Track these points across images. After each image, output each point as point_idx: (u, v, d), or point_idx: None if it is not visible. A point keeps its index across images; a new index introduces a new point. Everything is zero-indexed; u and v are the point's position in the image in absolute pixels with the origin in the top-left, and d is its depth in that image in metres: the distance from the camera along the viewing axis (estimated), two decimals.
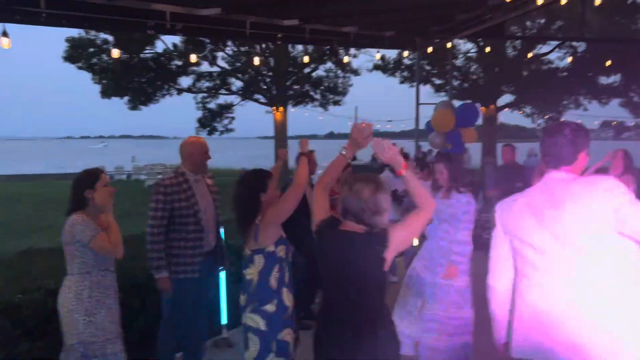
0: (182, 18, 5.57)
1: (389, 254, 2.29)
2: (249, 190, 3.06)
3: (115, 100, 23.03)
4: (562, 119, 24.45)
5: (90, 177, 3.19)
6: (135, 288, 4.78)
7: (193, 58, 14.85)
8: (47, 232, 11.63)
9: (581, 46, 20.52)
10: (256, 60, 11.07)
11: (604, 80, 21.89)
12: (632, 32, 19.03)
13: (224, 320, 4.83)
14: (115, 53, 8.82)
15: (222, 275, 4.65)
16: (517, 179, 6.64)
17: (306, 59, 20.09)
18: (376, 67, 23.80)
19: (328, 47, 17.15)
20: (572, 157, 2.18)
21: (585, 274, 2.05)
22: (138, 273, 5.13)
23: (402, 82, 23.66)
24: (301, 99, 25.13)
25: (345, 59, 21.87)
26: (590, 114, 26.01)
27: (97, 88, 22.32)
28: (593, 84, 21.57)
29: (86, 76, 22.20)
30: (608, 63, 17.26)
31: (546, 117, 24.92)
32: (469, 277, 4.04)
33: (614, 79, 21.75)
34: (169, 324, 3.93)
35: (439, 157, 4.41)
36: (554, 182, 2.20)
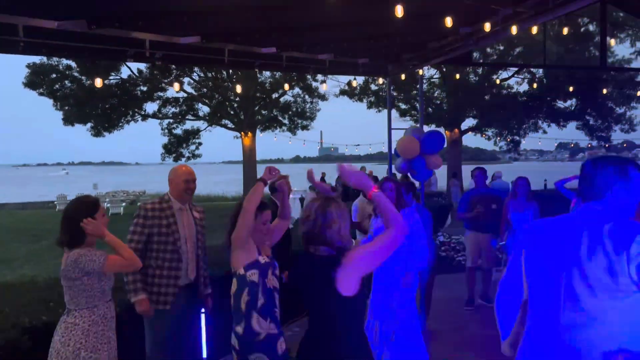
0: (161, 46, 5.54)
1: (348, 274, 2.21)
2: (232, 216, 3.10)
3: (76, 126, 22.56)
4: (523, 141, 25.30)
5: (90, 208, 3.08)
6: None
7: (176, 87, 14.76)
8: (8, 265, 11.14)
9: (539, 72, 21.43)
10: (238, 88, 11.00)
11: (561, 104, 22.89)
12: (587, 59, 20.03)
13: (204, 354, 4.70)
14: (99, 83, 8.60)
15: (203, 309, 4.52)
16: (491, 202, 6.78)
17: (286, 86, 20.36)
18: (343, 93, 24.16)
19: (295, 73, 17.40)
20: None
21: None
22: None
23: (369, 107, 24.07)
24: (269, 123, 25.21)
25: (324, 86, 22.22)
26: (549, 136, 26.98)
27: (58, 114, 21.87)
28: (551, 108, 22.51)
29: (46, 102, 21.73)
30: (571, 89, 18.08)
31: (508, 139, 25.73)
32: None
33: (571, 103, 22.79)
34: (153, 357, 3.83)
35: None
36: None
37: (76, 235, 3.02)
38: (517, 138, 25.39)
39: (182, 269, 3.80)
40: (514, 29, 5.50)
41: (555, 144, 35.06)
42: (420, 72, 9.19)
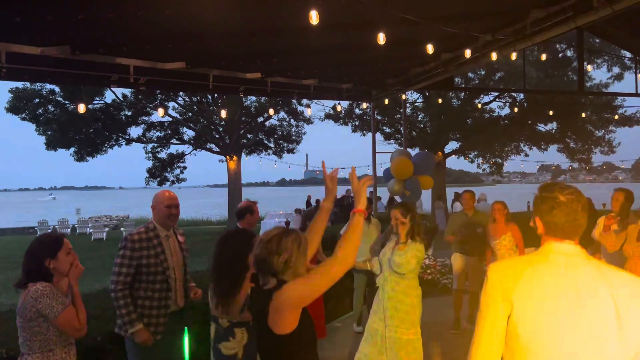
0: (146, 72, 5.56)
1: (282, 309, 2.05)
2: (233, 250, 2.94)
3: (59, 150, 22.33)
4: (505, 164, 25.63)
5: (51, 246, 2.84)
6: (94, 351, 4.48)
7: (161, 112, 14.78)
8: None
9: (520, 96, 21.86)
10: (223, 113, 11.10)
11: (542, 127, 23.32)
12: (565, 83, 20.50)
13: None
14: (82, 108, 8.55)
15: (186, 336, 4.45)
16: (477, 225, 6.82)
17: (271, 111, 20.39)
18: (328, 117, 24.33)
19: (282, 98, 17.51)
20: None
21: None
22: (96, 335, 4.83)
23: (354, 131, 24.26)
24: (255, 147, 25.23)
25: (309, 111, 22.36)
26: (531, 159, 27.41)
27: (40, 139, 21.64)
28: (532, 131, 22.90)
29: (28, 127, 21.53)
30: (550, 113, 18.42)
31: (491, 162, 26.04)
32: None
33: (551, 126, 23.22)
34: None
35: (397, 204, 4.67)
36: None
37: (36, 277, 2.78)
38: (500, 161, 25.73)
39: (172, 297, 3.75)
40: (493, 55, 5.63)
41: (537, 166, 35.59)
42: (404, 96, 9.32)
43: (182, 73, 5.84)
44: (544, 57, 7.62)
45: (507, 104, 22.72)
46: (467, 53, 5.72)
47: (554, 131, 23.17)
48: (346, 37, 5.43)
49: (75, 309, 2.82)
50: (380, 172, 10.21)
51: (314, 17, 3.83)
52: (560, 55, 20.74)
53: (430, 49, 5.87)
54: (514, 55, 5.86)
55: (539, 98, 20.05)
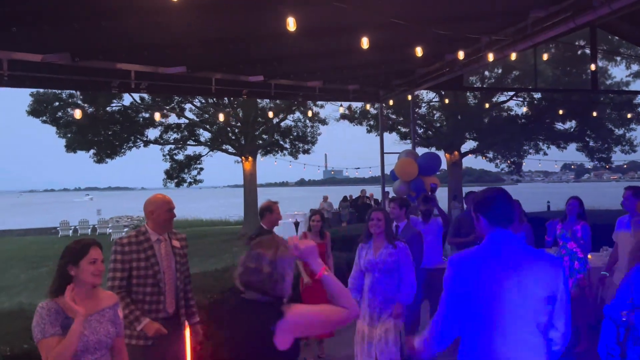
0: (146, 77, 5.65)
1: (286, 332, 2.05)
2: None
3: (80, 153, 22.79)
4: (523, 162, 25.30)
5: (74, 253, 2.70)
6: None
7: (157, 116, 14.85)
8: (7, 292, 11.15)
9: (537, 94, 21.57)
10: (221, 117, 11.14)
11: (560, 126, 22.94)
12: (583, 81, 20.14)
13: None
14: (78, 114, 8.70)
15: (188, 341, 4.48)
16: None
17: (270, 114, 20.41)
18: (343, 117, 24.33)
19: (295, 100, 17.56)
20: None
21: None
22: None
23: (369, 132, 24.22)
24: (270, 148, 25.36)
25: (310, 113, 22.31)
26: (550, 158, 26.95)
27: (60, 142, 22.12)
28: (550, 130, 22.55)
29: (50, 130, 22.01)
30: (561, 112, 18.14)
31: (509, 161, 25.74)
32: None
33: (570, 124, 22.83)
34: None
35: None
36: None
37: (54, 283, 2.68)
38: (518, 160, 25.39)
39: (162, 301, 3.72)
40: (490, 56, 5.60)
41: (558, 165, 34.94)
42: (409, 97, 9.30)
43: (183, 77, 5.92)
44: (545, 56, 7.49)
45: (525, 102, 22.40)
46: (461, 55, 5.70)
47: (572, 130, 22.77)
48: (341, 41, 5.45)
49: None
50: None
51: (291, 24, 3.86)
52: (579, 52, 20.39)
53: (433, 50, 5.87)
54: (513, 56, 5.82)
55: (556, 96, 19.74)
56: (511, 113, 23.25)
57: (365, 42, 4.73)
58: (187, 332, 4.18)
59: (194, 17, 4.48)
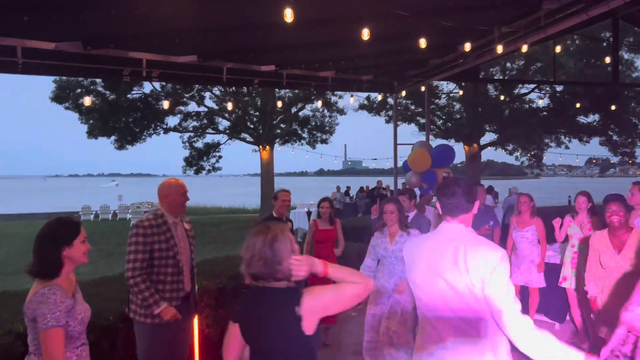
0: (158, 65, 5.73)
1: (311, 315, 2.07)
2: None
3: (102, 139, 23.19)
4: (544, 156, 24.91)
5: (69, 231, 2.58)
6: (106, 330, 4.75)
7: (166, 105, 14.99)
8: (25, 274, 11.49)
9: (559, 87, 21.14)
10: (229, 106, 11.20)
11: (583, 119, 22.46)
12: (607, 74, 19.68)
13: None
14: (87, 101, 8.85)
15: (196, 320, 4.62)
16: (487, 218, 6.73)
17: (279, 103, 20.46)
18: (361, 107, 24.24)
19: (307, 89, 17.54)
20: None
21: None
22: (109, 315, 5.10)
23: (387, 122, 24.09)
24: (288, 137, 25.44)
25: (319, 103, 22.23)
26: (571, 152, 26.47)
27: (83, 128, 22.52)
28: (573, 123, 22.11)
29: (73, 116, 22.42)
30: (577, 105, 17.79)
31: (529, 155, 25.36)
32: None
33: (593, 118, 22.34)
34: None
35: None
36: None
37: (48, 266, 2.52)
38: (538, 153, 24.99)
39: (182, 281, 3.86)
40: (499, 48, 5.53)
41: (580, 159, 34.22)
42: (423, 88, 9.23)
43: (195, 66, 5.98)
44: (558, 48, 7.29)
45: (546, 95, 21.97)
46: (467, 46, 5.64)
47: (595, 123, 22.29)
48: (350, 31, 5.44)
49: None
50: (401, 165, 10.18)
51: (288, 14, 3.85)
52: (604, 44, 19.89)
53: (443, 41, 5.83)
54: (525, 48, 5.74)
55: (578, 89, 19.33)
56: (532, 105, 22.84)
57: (370, 33, 4.72)
58: (196, 316, 4.33)
59: (205, 6, 4.53)
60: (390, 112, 23.48)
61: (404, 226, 4.59)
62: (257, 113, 23.74)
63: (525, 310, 6.57)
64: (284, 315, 2.06)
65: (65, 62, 4.97)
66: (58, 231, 2.55)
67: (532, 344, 2.13)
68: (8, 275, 11.52)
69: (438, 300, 2.34)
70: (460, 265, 2.27)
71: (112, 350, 4.62)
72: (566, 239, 6.03)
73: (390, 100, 22.83)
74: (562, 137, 23.73)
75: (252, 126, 24.10)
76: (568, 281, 5.80)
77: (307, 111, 25.10)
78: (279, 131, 24.69)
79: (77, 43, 4.68)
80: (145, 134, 23.47)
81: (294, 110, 24.36)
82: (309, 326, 2.06)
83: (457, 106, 24.43)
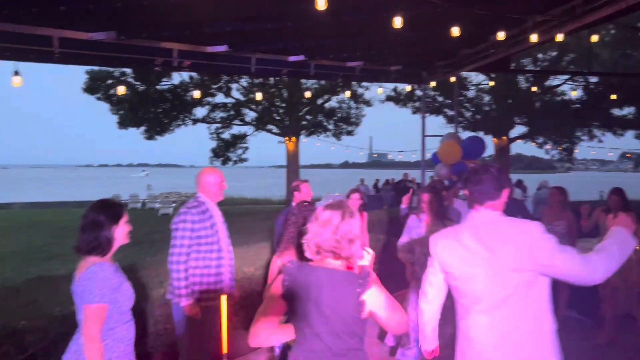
0: (189, 55, 5.79)
1: (368, 300, 2.10)
2: None
3: (131, 130, 23.58)
4: (576, 149, 24.33)
5: (116, 212, 2.69)
6: (136, 315, 4.88)
7: (197, 94, 15.11)
8: (62, 260, 11.85)
9: (593, 78, 20.57)
10: (259, 96, 11.25)
11: (617, 112, 21.80)
12: None
13: (224, 349, 4.84)
14: (121, 90, 9.01)
15: (224, 302, 4.67)
16: (515, 211, 6.62)
17: (308, 94, 20.35)
18: (388, 98, 24.05)
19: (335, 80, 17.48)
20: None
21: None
22: (140, 300, 5.23)
23: (414, 113, 23.85)
24: (314, 129, 25.44)
25: (349, 93, 22.08)
26: (605, 145, 25.77)
27: (114, 118, 22.93)
28: (607, 115, 21.49)
29: (104, 107, 22.86)
30: (613, 97, 17.28)
31: (560, 148, 24.80)
32: None
33: (628, 110, 21.66)
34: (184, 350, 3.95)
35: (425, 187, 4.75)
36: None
37: (100, 244, 2.60)
38: (570, 146, 24.41)
39: (223, 265, 3.96)
40: (535, 37, 5.40)
41: (613, 153, 33.38)
42: (453, 79, 9.09)
43: (224, 56, 6.03)
44: (595, 38, 7.05)
45: (579, 86, 21.38)
46: (501, 35, 5.52)
47: (630, 116, 21.61)
48: (381, 20, 5.39)
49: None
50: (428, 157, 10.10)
51: (320, 2, 3.83)
52: None
53: (475, 30, 5.73)
54: (560, 37, 5.59)
55: (613, 81, 18.75)
56: (564, 97, 22.28)
57: (401, 21, 4.67)
58: (224, 299, 4.40)
59: None
60: (417, 104, 23.25)
61: (440, 217, 4.48)
62: (284, 104, 23.81)
63: (555, 304, 6.46)
64: (347, 296, 2.09)
65: (99, 52, 5.08)
66: (107, 211, 2.66)
67: (604, 264, 2.09)
68: (42, 261, 11.89)
69: (483, 290, 2.24)
70: (499, 250, 2.19)
71: (142, 334, 4.76)
72: (598, 233, 5.90)
73: (418, 92, 22.61)
74: (595, 130, 23.12)
75: (278, 118, 24.17)
76: None
77: (333, 102, 25.08)
78: (304, 123, 24.71)
79: (112, 33, 4.78)
80: (173, 124, 23.80)
81: (320, 101, 24.34)
82: (365, 311, 2.11)
83: (486, 98, 24.01)
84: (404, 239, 4.86)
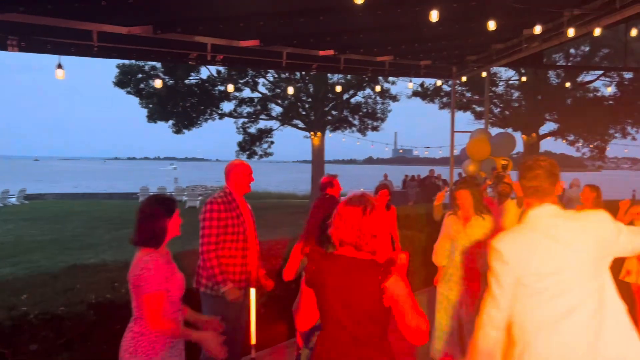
0: (222, 50, 5.86)
1: (390, 289, 2.11)
2: None
3: (159, 123, 23.95)
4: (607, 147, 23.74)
5: (170, 205, 2.81)
6: None
7: (230, 88, 15.24)
8: (94, 249, 12.19)
9: (628, 74, 20.01)
10: (290, 90, 11.30)
11: None
12: None
13: (253, 340, 4.91)
14: (158, 83, 9.17)
15: (252, 294, 4.74)
16: None
17: (338, 88, 20.27)
18: (415, 94, 23.85)
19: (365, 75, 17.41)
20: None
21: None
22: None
23: (441, 109, 23.61)
24: (339, 124, 25.41)
25: (377, 88, 21.93)
26: (638, 143, 25.06)
27: (143, 112, 23.32)
28: None
29: (133, 101, 23.23)
30: None
31: (591, 146, 24.23)
32: None
33: None
34: None
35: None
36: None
37: (155, 236, 2.73)
38: (601, 144, 23.83)
39: (250, 257, 4.00)
40: (570, 32, 5.29)
41: None
42: (484, 74, 8.98)
43: (256, 51, 6.08)
44: (634, 32, 6.81)
45: (612, 82, 20.82)
46: (537, 29, 5.42)
47: None
48: (414, 13, 5.36)
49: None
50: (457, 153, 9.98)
51: None
52: None
53: (509, 24, 5.64)
54: (598, 31, 5.46)
55: None
56: (597, 94, 21.74)
57: (436, 15, 4.63)
58: (253, 291, 4.46)
59: None
60: (444, 99, 22.99)
61: (477, 210, 4.42)
62: (309, 99, 23.83)
63: None
64: (369, 283, 2.11)
65: (136, 45, 5.19)
66: (162, 205, 2.80)
67: None
68: (75, 250, 12.24)
69: (571, 286, 2.11)
70: (576, 243, 2.12)
71: None
72: None
73: (445, 87, 22.36)
74: (629, 127, 22.52)
75: (304, 112, 24.22)
76: (633, 275, 5.54)
77: (359, 97, 24.99)
78: (330, 118, 24.71)
79: (148, 27, 4.87)
80: (201, 118, 24.06)
81: (345, 96, 24.29)
82: (387, 300, 2.12)
83: (515, 94, 23.60)
84: (440, 239, 4.72)
